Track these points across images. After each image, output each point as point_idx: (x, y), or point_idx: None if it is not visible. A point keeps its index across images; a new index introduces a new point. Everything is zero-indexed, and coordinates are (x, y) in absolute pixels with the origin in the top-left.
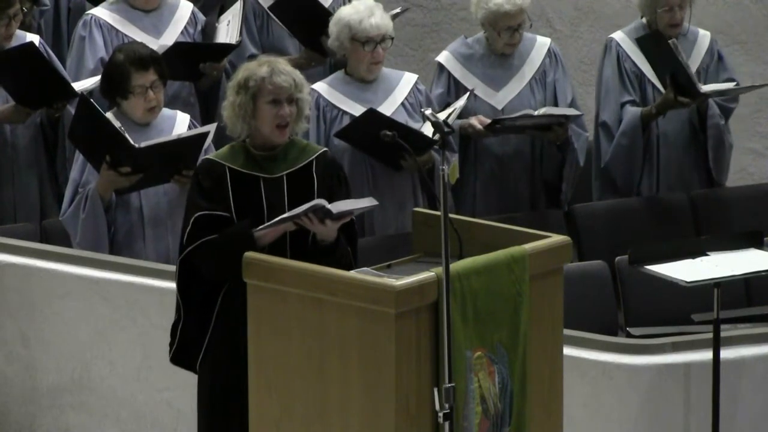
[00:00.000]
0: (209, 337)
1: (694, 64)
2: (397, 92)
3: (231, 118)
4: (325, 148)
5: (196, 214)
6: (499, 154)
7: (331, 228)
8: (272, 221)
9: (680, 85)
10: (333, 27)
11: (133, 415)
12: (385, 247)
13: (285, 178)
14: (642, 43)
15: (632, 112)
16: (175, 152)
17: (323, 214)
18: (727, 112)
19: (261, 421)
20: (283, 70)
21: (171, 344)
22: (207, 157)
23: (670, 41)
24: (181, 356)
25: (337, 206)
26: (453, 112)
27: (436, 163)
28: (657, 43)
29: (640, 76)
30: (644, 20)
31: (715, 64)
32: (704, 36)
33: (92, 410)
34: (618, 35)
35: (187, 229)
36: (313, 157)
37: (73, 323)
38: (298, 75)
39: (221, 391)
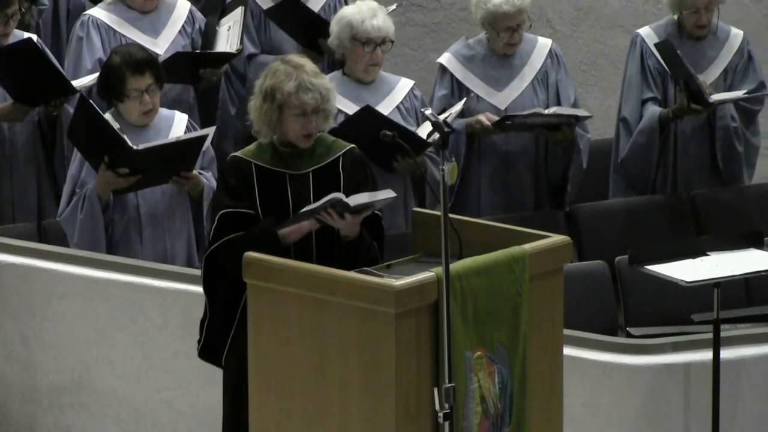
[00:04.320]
0: (233, 333)
1: (722, 62)
2: (394, 95)
3: (257, 120)
4: (353, 145)
5: (221, 212)
6: (503, 154)
7: (351, 222)
8: (291, 218)
9: (693, 93)
10: (335, 25)
11: (133, 415)
12: (384, 247)
13: (311, 174)
14: (659, 48)
15: (651, 111)
16: (173, 154)
17: (341, 207)
18: (748, 113)
19: (261, 421)
20: (310, 85)
21: (199, 340)
22: (234, 154)
23: (677, 51)
24: (207, 352)
25: (355, 199)
26: (449, 115)
27: (428, 169)
28: (668, 51)
29: (664, 73)
30: (675, 17)
31: (744, 63)
32: (736, 35)
33: (92, 410)
34: (644, 31)
35: (213, 227)
36: (340, 153)
37: (73, 323)
38: (324, 87)
39: (245, 386)
